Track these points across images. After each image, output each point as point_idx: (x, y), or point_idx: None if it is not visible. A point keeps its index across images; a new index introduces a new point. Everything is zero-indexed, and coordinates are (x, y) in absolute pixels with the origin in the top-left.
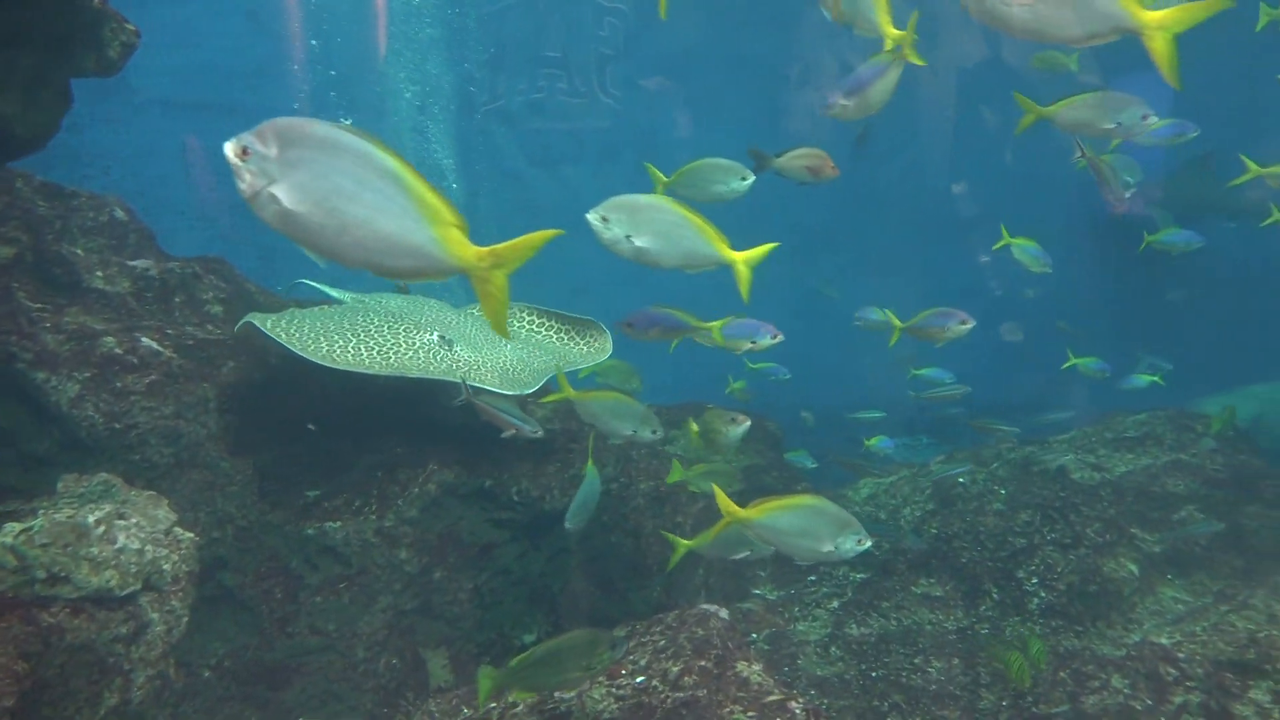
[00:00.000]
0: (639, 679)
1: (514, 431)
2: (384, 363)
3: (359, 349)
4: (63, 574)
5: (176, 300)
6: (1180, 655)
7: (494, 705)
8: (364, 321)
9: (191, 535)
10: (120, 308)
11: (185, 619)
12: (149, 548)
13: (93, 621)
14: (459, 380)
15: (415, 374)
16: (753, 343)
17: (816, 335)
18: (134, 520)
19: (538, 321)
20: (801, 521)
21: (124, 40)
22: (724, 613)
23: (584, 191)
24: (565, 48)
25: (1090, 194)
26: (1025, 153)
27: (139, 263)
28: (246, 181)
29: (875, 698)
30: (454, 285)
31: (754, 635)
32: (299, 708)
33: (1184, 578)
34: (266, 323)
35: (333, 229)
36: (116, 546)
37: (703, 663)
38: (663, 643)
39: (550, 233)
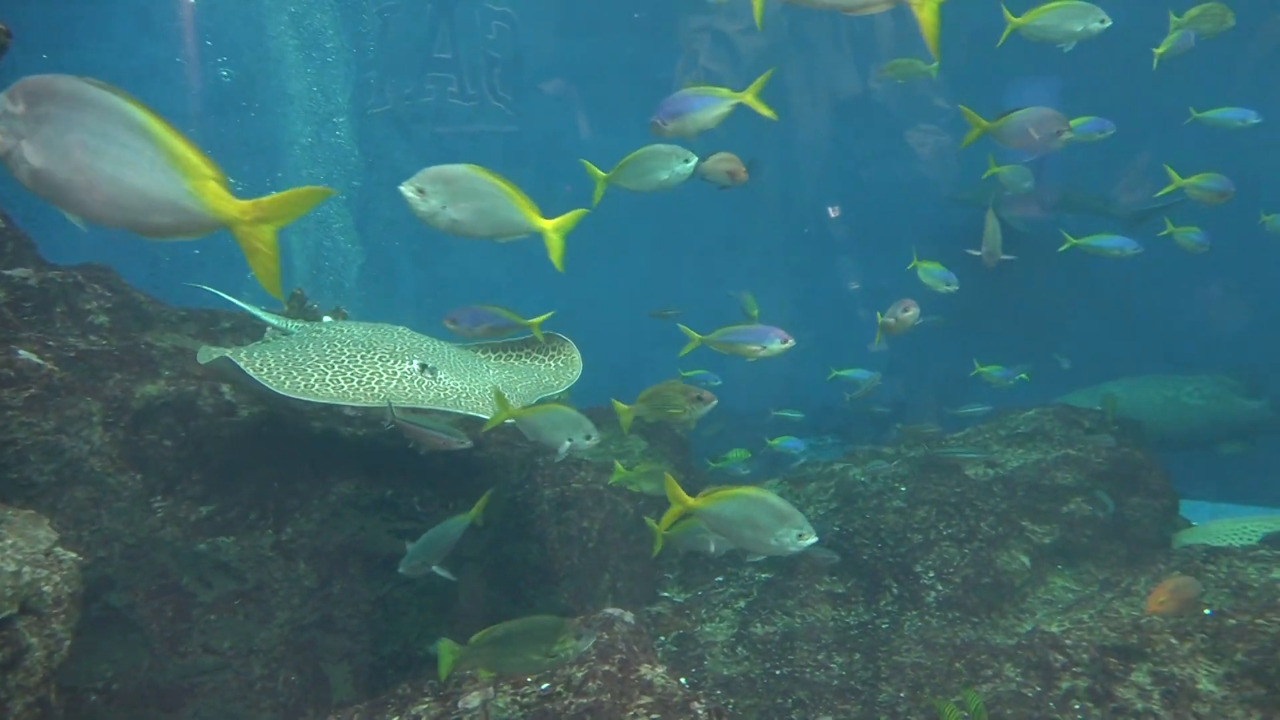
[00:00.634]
0: (543, 685)
1: (443, 446)
2: (368, 394)
3: (337, 381)
4: None
5: (57, 310)
6: (1068, 642)
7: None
8: (333, 352)
9: (74, 555)
10: None
11: (68, 642)
12: (26, 569)
13: None
14: (446, 410)
15: (405, 405)
16: (762, 347)
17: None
18: (10, 541)
19: (512, 348)
20: (745, 511)
21: None
22: (629, 617)
23: None
24: (454, 51)
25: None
26: (898, 164)
27: (16, 272)
28: None
29: (779, 695)
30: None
31: (661, 638)
32: None
33: (1073, 567)
34: (240, 356)
35: (80, 186)
36: None
37: (607, 667)
38: None
39: (321, 190)
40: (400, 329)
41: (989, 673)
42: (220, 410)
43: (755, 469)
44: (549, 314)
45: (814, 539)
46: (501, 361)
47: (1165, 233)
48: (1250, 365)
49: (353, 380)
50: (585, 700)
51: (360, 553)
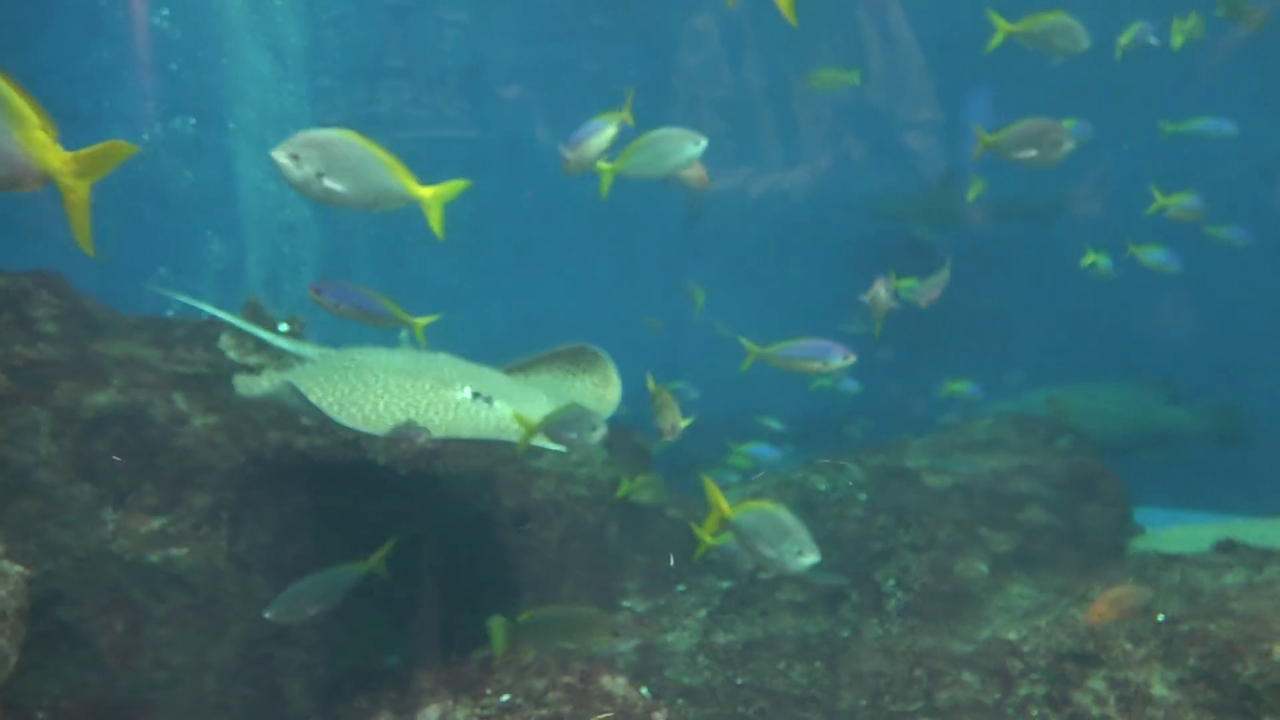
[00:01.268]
0: (504, 697)
1: (405, 440)
2: (430, 426)
3: (391, 410)
4: None
5: (5, 318)
6: (1026, 649)
7: None
8: (375, 381)
9: (20, 569)
10: None
11: (14, 659)
12: None
13: None
14: (509, 440)
15: (468, 435)
16: (823, 364)
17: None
18: None
19: (543, 364)
20: (756, 524)
21: None
22: None
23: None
24: (408, 59)
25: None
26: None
27: None
28: None
29: (741, 704)
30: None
31: (622, 648)
32: None
33: (1030, 575)
34: (303, 386)
35: None
36: None
37: (568, 678)
38: (528, 660)
39: (131, 146)
40: (441, 355)
41: (948, 680)
42: (173, 420)
43: (724, 477)
44: (435, 316)
45: (814, 558)
46: (539, 381)
47: (1130, 253)
48: (1169, 374)
49: (410, 412)
50: (545, 711)
51: (318, 564)
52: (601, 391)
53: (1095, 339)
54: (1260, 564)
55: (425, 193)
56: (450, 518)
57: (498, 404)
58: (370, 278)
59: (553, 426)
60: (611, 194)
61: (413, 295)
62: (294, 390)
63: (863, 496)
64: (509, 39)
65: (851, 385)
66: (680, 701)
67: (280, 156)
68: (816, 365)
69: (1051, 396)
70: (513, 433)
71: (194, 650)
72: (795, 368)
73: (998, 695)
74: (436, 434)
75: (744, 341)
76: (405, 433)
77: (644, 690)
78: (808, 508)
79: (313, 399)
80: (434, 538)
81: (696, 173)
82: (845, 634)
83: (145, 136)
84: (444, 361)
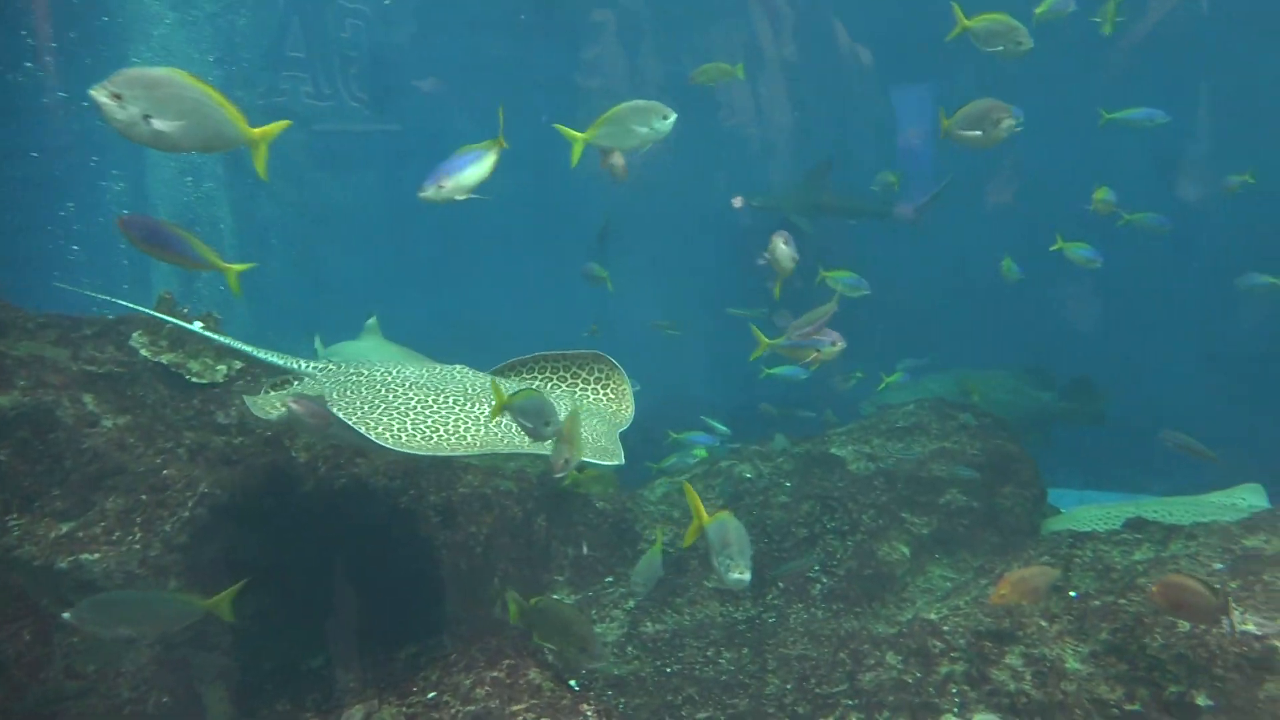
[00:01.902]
0: (430, 694)
1: (320, 425)
2: (467, 442)
3: (422, 429)
4: None
5: None
6: (946, 629)
7: None
8: (396, 400)
9: None
10: None
11: None
12: None
13: None
14: (542, 453)
15: (506, 451)
16: (818, 351)
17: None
18: None
19: (550, 369)
20: (714, 534)
21: None
22: None
23: (371, 194)
24: (307, 49)
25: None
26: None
27: None
28: None
29: (670, 692)
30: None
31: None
32: None
33: (949, 556)
34: (340, 409)
35: None
36: None
37: (495, 673)
38: (454, 655)
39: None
40: (457, 368)
41: (871, 661)
42: (82, 421)
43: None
44: (251, 264)
45: (738, 574)
46: (562, 394)
47: (1055, 247)
48: (1038, 361)
49: (440, 429)
50: (473, 707)
51: (236, 566)
52: (616, 406)
53: (970, 329)
54: (1166, 540)
55: (256, 134)
56: (374, 515)
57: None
58: (286, 274)
59: (514, 409)
60: (536, 188)
61: (333, 291)
62: (323, 412)
63: (787, 484)
64: (427, 29)
65: (800, 374)
66: (609, 692)
67: (101, 96)
68: (814, 354)
69: (961, 378)
70: (546, 448)
71: (107, 658)
72: (795, 356)
73: (919, 674)
74: (472, 451)
75: (755, 332)
76: (320, 416)
77: (572, 683)
78: (735, 496)
79: (360, 427)
80: (357, 535)
81: (618, 161)
82: (771, 619)
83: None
84: (462, 375)
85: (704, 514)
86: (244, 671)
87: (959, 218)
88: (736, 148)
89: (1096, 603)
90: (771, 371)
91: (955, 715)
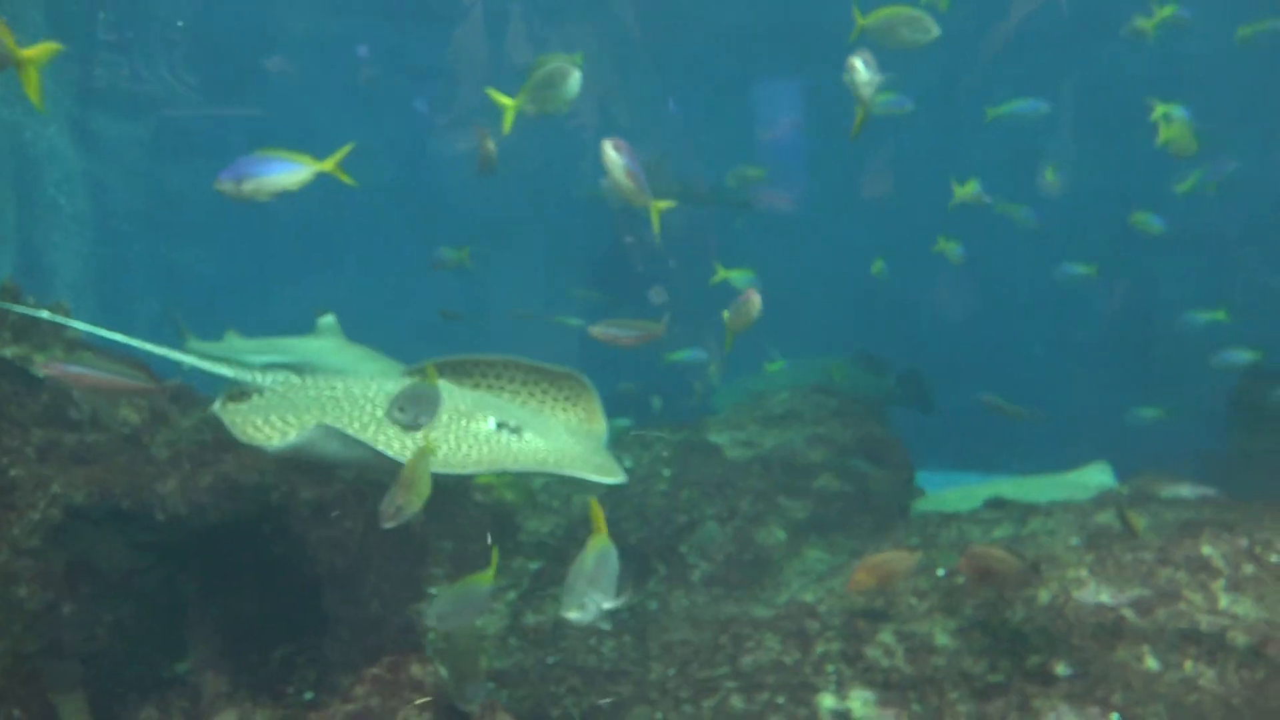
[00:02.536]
0: (307, 695)
1: (129, 391)
2: (469, 460)
3: (416, 443)
4: None
5: None
6: (822, 609)
7: None
8: (379, 412)
9: None
10: None
11: None
12: None
13: None
14: (551, 473)
15: (512, 469)
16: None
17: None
18: None
19: (520, 380)
20: (589, 560)
21: None
22: (397, 616)
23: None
24: (120, 33)
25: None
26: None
27: None
28: None
29: (553, 683)
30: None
31: (432, 635)
32: None
33: (824, 539)
34: (352, 426)
35: None
36: None
37: (375, 670)
38: (332, 654)
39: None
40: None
41: (751, 644)
42: None
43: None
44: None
45: (577, 615)
46: (540, 409)
47: (936, 248)
48: (868, 349)
49: (441, 445)
50: (353, 706)
51: (93, 570)
52: (589, 426)
53: (813, 319)
54: (1025, 518)
55: (27, 55)
56: (243, 512)
57: (527, 435)
58: (144, 263)
59: (395, 399)
60: (404, 179)
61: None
62: (334, 435)
63: (666, 471)
64: (272, 8)
65: (702, 356)
66: (492, 685)
67: None
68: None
69: (828, 365)
70: (553, 465)
71: None
72: (608, 339)
73: (797, 655)
74: (478, 469)
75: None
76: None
77: None
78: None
79: (376, 444)
80: (225, 534)
81: (488, 145)
82: (653, 606)
83: None
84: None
85: (604, 535)
86: (106, 680)
87: (823, 213)
88: (587, 136)
89: (961, 580)
90: (675, 356)
91: (833, 693)
